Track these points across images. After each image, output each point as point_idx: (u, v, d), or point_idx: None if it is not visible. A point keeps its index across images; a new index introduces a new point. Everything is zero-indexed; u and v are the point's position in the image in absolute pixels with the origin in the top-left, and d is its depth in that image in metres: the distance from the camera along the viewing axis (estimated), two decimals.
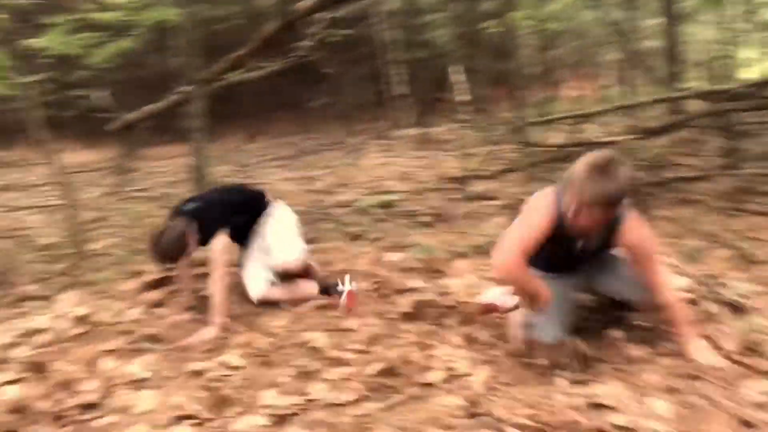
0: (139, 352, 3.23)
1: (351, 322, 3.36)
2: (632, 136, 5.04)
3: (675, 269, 3.56)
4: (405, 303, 3.51)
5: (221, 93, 14.76)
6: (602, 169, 2.33)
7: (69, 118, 17.67)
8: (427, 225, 5.11)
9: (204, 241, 3.55)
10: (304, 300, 3.71)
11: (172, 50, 16.50)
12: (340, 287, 3.68)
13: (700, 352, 2.58)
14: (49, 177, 6.42)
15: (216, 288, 3.44)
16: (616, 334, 2.84)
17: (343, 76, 14.43)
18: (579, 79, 13.37)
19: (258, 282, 3.72)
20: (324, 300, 3.69)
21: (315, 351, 3.06)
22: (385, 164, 8.92)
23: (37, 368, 3.05)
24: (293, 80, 17.14)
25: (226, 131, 17.25)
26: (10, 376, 2.99)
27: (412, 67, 15.52)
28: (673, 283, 2.76)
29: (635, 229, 2.61)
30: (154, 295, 3.91)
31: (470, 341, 3.07)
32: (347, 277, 3.73)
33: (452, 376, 2.73)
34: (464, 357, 2.90)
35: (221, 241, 3.55)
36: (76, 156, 14.82)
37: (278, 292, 3.73)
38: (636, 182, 4.66)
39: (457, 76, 11.37)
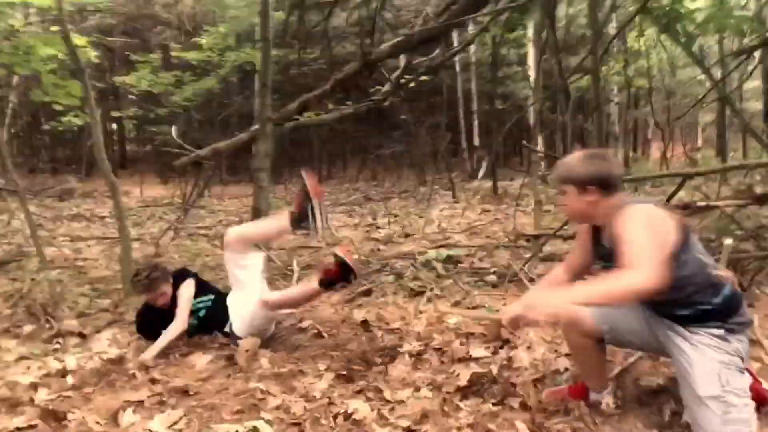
0: (165, 406, 2.93)
1: (401, 393, 2.94)
2: (736, 202, 4.45)
3: None
4: (464, 375, 3.06)
5: (292, 136, 14.96)
6: (589, 155, 2.39)
7: (148, 153, 18.46)
8: (493, 285, 4.66)
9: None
10: (304, 299, 3.75)
11: (253, 92, 17.01)
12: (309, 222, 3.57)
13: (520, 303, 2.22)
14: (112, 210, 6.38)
15: (170, 330, 3.59)
16: None
17: (418, 124, 14.27)
18: (668, 139, 12.66)
19: (249, 302, 3.63)
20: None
21: (356, 424, 2.67)
22: (454, 216, 8.55)
23: (54, 416, 2.79)
24: (366, 126, 17.23)
25: (294, 174, 17.42)
26: (22, 421, 2.74)
27: (489, 119, 15.26)
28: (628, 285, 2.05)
29: (623, 219, 2.20)
30: (191, 342, 3.64)
31: (538, 430, 2.59)
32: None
33: None
34: None
35: (189, 289, 3.77)
36: (152, 190, 15.26)
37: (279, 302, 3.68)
38: (739, 254, 4.08)
39: (535, 130, 10.99)
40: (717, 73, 9.50)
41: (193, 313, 3.77)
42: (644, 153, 16.65)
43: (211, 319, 3.77)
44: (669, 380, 2.82)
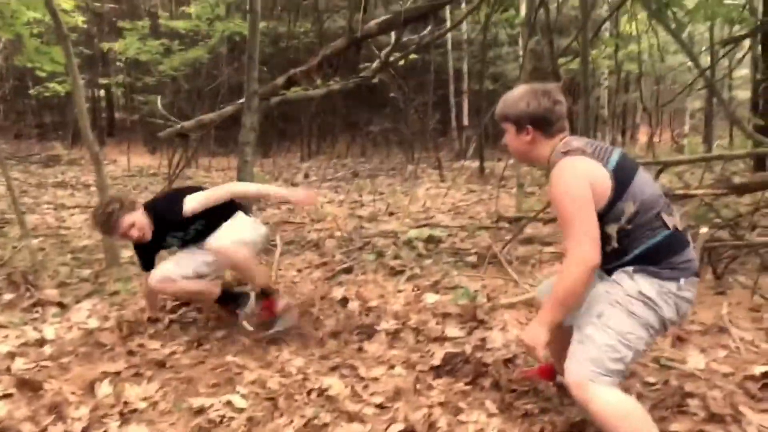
0: (141, 377, 2.97)
1: (375, 371, 2.99)
2: (713, 191, 4.50)
3: (753, 348, 3.06)
4: (438, 354, 3.12)
5: (281, 110, 14.84)
6: (529, 91, 2.21)
7: (136, 122, 18.26)
8: (473, 266, 4.71)
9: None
10: (196, 296, 3.60)
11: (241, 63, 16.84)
12: (242, 308, 3.55)
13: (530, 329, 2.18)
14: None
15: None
16: None
17: (407, 102, 14.21)
18: (656, 124, 12.69)
19: (164, 268, 3.45)
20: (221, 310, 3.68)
21: (329, 400, 2.72)
22: (438, 195, 8.57)
23: (30, 386, 2.83)
24: (356, 102, 17.13)
25: (283, 148, 17.36)
26: None
27: (479, 98, 15.21)
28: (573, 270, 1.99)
29: (553, 179, 2.07)
30: (172, 315, 3.66)
31: (507, 409, 2.65)
32: (253, 295, 3.56)
33: None
34: (498, 428, 2.49)
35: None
36: (139, 159, 15.14)
37: (174, 285, 3.43)
38: (714, 243, 4.14)
39: None
40: (706, 60, 9.52)
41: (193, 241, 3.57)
42: (632, 137, 16.73)
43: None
44: (637, 365, 2.88)
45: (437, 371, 3.00)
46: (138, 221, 3.31)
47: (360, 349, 3.27)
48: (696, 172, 7.76)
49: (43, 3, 5.01)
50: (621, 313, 2.03)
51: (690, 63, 8.78)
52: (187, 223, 3.42)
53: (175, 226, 3.42)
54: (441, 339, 3.33)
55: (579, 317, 2.14)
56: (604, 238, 2.06)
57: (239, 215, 3.57)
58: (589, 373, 2.00)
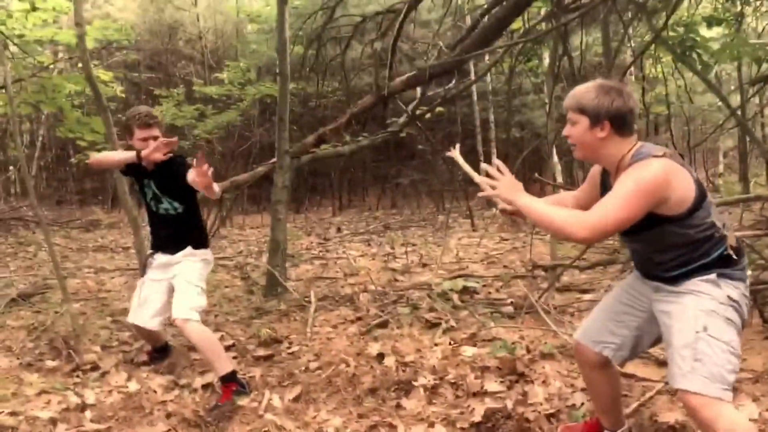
0: None
1: (415, 429, 2.94)
2: (754, 232, 4.40)
3: None
4: (478, 410, 3.05)
5: (312, 166, 15.11)
6: (606, 87, 2.19)
7: None
8: (510, 317, 4.64)
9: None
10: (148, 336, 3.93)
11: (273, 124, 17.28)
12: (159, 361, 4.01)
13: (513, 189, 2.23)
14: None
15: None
16: None
17: (436, 154, 14.34)
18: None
19: (195, 301, 3.53)
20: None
21: None
22: (471, 245, 8.53)
23: None
24: (385, 155, 17.35)
25: (314, 204, 17.59)
26: None
27: (507, 147, 15.29)
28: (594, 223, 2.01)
29: (637, 168, 2.05)
30: (209, 377, 3.67)
31: None
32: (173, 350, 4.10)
33: None
34: None
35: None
36: None
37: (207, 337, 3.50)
38: (759, 286, 4.02)
39: (553, 158, 10.98)
40: (736, 99, 9.45)
41: (156, 210, 3.71)
42: None
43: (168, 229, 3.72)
44: (688, 416, 2.77)
45: (478, 428, 2.93)
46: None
47: (398, 406, 3.21)
48: (734, 212, 7.61)
49: (83, 76, 5.26)
50: (721, 322, 2.06)
51: (720, 102, 8.74)
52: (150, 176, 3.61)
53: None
54: (481, 394, 3.26)
55: (671, 336, 2.14)
56: (681, 237, 2.11)
57: (195, 256, 3.68)
58: (717, 392, 1.99)
